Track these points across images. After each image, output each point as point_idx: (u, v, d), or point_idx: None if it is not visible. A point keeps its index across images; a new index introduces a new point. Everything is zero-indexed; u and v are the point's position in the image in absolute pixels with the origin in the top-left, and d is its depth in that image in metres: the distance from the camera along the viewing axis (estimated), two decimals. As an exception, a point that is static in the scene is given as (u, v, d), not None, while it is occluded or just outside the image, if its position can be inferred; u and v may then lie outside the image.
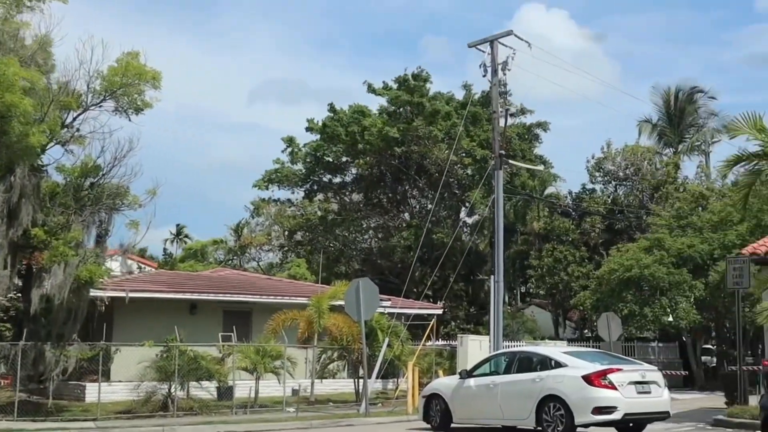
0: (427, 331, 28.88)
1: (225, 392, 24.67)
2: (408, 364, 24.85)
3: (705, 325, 39.23)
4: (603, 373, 16.01)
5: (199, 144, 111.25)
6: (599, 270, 39.09)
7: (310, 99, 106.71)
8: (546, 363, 17.08)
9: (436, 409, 18.50)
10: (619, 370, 16.23)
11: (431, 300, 52.68)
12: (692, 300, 36.79)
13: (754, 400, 21.72)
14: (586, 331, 44.87)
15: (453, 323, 49.54)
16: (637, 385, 16.22)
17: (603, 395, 15.82)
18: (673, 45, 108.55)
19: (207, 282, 33.33)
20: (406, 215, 52.38)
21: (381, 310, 31.04)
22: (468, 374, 18.37)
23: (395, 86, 48.21)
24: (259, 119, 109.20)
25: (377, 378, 28.51)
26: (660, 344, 42.41)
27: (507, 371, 17.82)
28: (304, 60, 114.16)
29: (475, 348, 26.64)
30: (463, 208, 49.44)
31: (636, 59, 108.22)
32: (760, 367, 28.08)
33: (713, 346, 41.80)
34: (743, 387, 20.59)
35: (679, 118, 48.50)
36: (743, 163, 20.17)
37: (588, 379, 15.95)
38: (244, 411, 23.28)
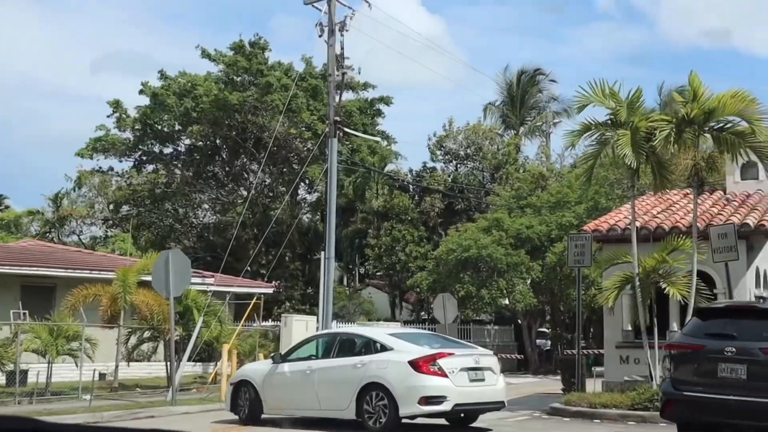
0: (248, 310, 26.25)
1: (21, 377, 21.34)
2: (224, 346, 22.20)
3: (541, 308, 38.41)
4: (432, 358, 13.96)
5: (37, 114, 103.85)
6: (437, 250, 37.53)
7: (156, 72, 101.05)
8: (370, 346, 14.91)
9: (245, 398, 15.99)
10: (450, 354, 14.21)
11: (267, 279, 50.17)
12: (529, 282, 35.79)
13: (591, 386, 20.36)
14: (423, 313, 43.36)
15: (288, 303, 47.21)
16: (470, 372, 14.26)
17: (431, 383, 13.77)
18: (519, 38, 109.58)
19: (4, 253, 29.45)
20: (243, 191, 49.49)
21: (203, 287, 28.35)
22: (282, 358, 15.96)
23: (231, 53, 45.12)
24: (102, 90, 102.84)
25: (189, 361, 25.70)
26: (496, 327, 41.41)
27: (326, 355, 15.54)
28: (152, 33, 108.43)
29: (300, 329, 24.27)
30: (303, 185, 47.05)
31: (484, 50, 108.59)
32: (596, 351, 27.11)
33: (548, 329, 41.11)
34: (581, 372, 19.13)
35: (521, 100, 47.66)
36: (591, 132, 18.61)
37: (415, 364, 13.85)
38: (30, 400, 20.03)
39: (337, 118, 25.49)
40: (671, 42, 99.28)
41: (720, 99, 17.59)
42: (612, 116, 18.03)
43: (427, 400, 13.72)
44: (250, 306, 26.21)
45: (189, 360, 25.39)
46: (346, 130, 29.48)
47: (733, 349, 10.87)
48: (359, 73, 45.07)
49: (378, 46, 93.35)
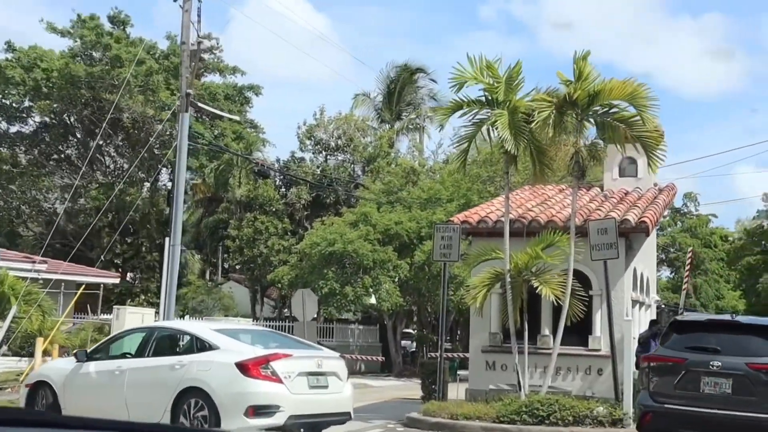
0: (74, 300, 23.09)
1: None
2: (39, 340, 19.07)
3: (408, 309, 36.41)
4: (264, 360, 11.48)
5: None
6: (300, 244, 34.99)
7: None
8: (192, 344, 12.27)
9: (42, 404, 13.08)
10: (287, 356, 11.75)
11: (121, 270, 46.41)
12: (396, 281, 33.69)
13: (453, 392, 18.28)
14: (285, 310, 40.68)
15: (143, 296, 43.76)
16: (310, 377, 11.87)
17: (261, 390, 11.30)
18: (404, 40, 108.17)
19: None
20: (99, 174, 45.70)
21: (33, 274, 25.03)
22: (88, 356, 13.11)
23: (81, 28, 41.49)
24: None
25: (14, 356, 22.40)
26: (361, 327, 39.20)
27: (140, 353, 12.77)
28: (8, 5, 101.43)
29: (135, 323, 21.27)
30: (165, 171, 43.66)
31: (367, 48, 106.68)
32: (462, 354, 25.16)
33: (414, 330, 39.19)
34: (443, 379, 16.98)
35: (398, 95, 45.58)
36: (464, 111, 16.49)
37: (243, 367, 11.35)
38: None
39: (190, 91, 22.60)
40: (551, 55, 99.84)
41: (607, 82, 15.81)
42: (487, 93, 15.97)
43: (255, 411, 11.22)
44: (76, 296, 23.02)
45: (9, 354, 22.19)
46: (200, 104, 26.58)
47: (719, 363, 10.80)
48: (219, 46, 42.24)
49: (261, 40, 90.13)
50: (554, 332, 16.44)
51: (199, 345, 12.08)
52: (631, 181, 21.05)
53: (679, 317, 14.18)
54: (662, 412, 11.15)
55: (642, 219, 17.11)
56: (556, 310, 16.71)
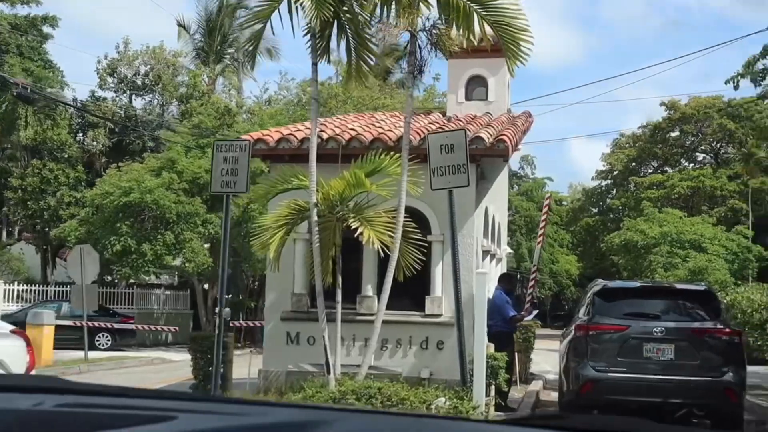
0: None
1: None
2: None
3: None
4: None
5: None
6: (89, 193, 28.76)
7: None
8: None
9: None
10: None
11: None
12: (206, 237, 28.15)
13: (245, 371, 13.14)
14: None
15: None
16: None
17: None
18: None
19: None
20: None
21: None
22: None
23: None
24: None
25: None
26: (168, 292, 33.35)
27: None
28: None
29: None
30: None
31: None
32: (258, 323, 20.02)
33: (229, 295, 33.69)
34: (223, 358, 11.66)
35: (220, 32, 39.52)
36: None
37: None
38: None
39: None
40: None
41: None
42: None
43: None
44: None
45: None
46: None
47: (662, 329, 10.69)
48: (26, 1, 35.03)
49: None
50: (380, 292, 11.50)
51: None
52: (481, 105, 16.43)
53: (609, 283, 12.59)
54: (603, 381, 10.70)
55: (500, 138, 12.36)
56: (385, 263, 11.73)
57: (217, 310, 32.85)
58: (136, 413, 1.52)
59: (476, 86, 16.73)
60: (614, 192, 49.89)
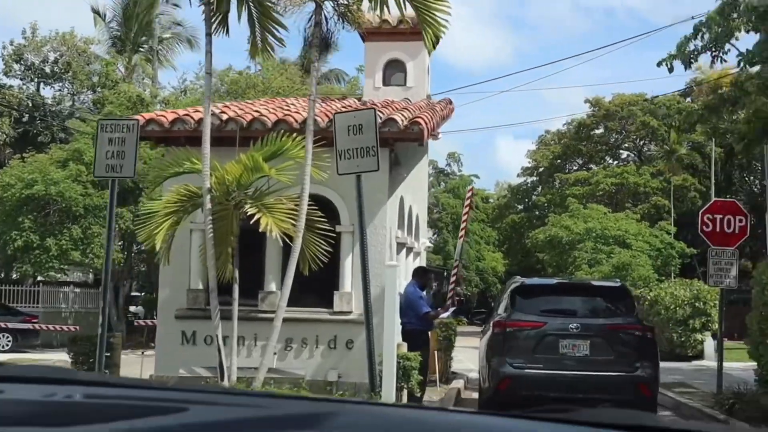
0: None
1: None
2: None
3: (132, 266, 29.39)
4: None
5: None
6: (-12, 185, 26.97)
7: None
8: None
9: None
10: None
11: None
12: (117, 232, 26.61)
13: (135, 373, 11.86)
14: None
15: None
16: None
17: None
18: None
19: None
20: None
21: None
22: None
23: None
24: None
25: None
26: (77, 290, 31.60)
27: None
28: None
29: None
30: None
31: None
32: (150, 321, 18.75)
33: (143, 292, 32.21)
34: (106, 363, 10.47)
35: (137, 20, 37.73)
36: None
37: None
38: None
39: None
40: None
41: None
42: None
43: None
44: None
45: None
46: None
47: (578, 326, 10.71)
48: None
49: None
50: (282, 284, 10.41)
51: None
52: (399, 90, 15.50)
53: (527, 280, 12.71)
54: (521, 377, 10.69)
55: (415, 120, 11.41)
56: (287, 252, 10.64)
57: (134, 308, 31.35)
58: (148, 404, 1.51)
59: (394, 71, 15.82)
60: (539, 189, 49.65)
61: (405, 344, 11.40)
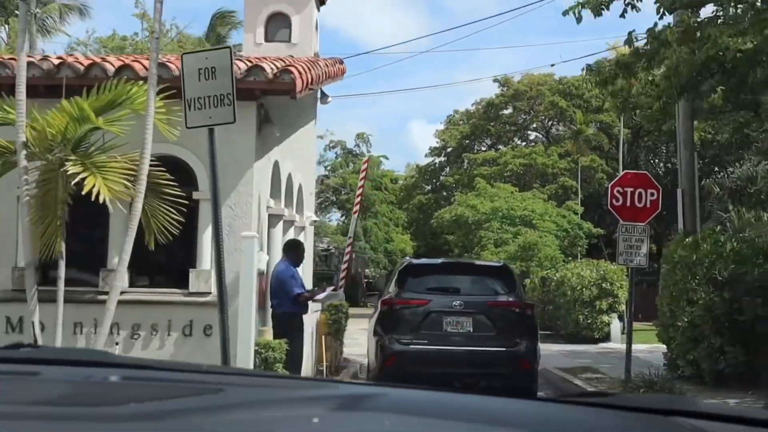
0: None
1: None
2: None
3: None
4: None
5: None
6: None
7: None
8: None
9: None
10: None
11: None
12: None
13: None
14: None
15: None
16: None
17: None
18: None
19: None
20: None
21: None
22: None
23: None
24: None
25: None
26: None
27: None
28: None
29: None
30: None
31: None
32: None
33: None
34: None
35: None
36: None
37: None
38: None
39: None
40: None
41: None
42: None
43: None
44: None
45: None
46: None
47: (461, 303, 11.00)
48: None
49: None
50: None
51: None
52: (282, 47, 13.76)
53: (414, 261, 13.41)
54: (407, 353, 10.86)
55: (286, 69, 9.70)
56: (142, 230, 8.84)
57: None
58: (184, 386, 1.52)
59: (278, 26, 14.09)
60: (448, 169, 48.51)
61: (279, 330, 9.79)
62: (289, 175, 11.96)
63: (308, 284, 12.47)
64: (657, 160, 45.23)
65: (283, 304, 9.95)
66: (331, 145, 59.91)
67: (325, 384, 1.54)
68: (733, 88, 10.99)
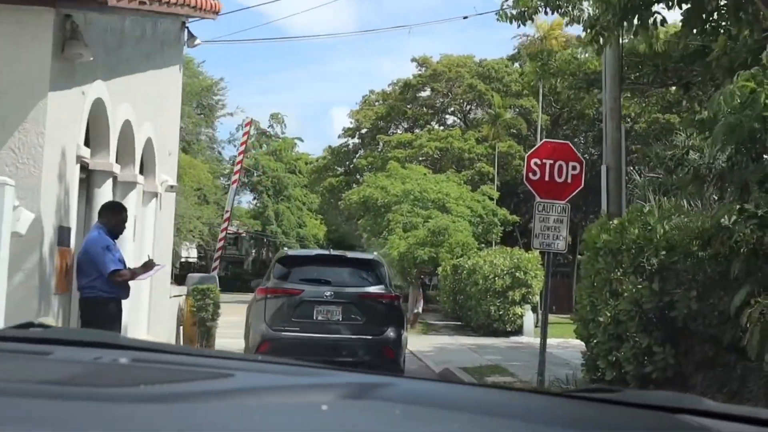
0: None
1: None
2: None
3: None
4: None
5: None
6: None
7: None
8: None
9: None
10: None
11: None
12: None
13: None
14: None
15: None
16: None
17: None
18: None
19: None
20: None
21: None
22: None
23: None
24: None
25: None
26: None
27: None
28: None
29: None
30: None
31: None
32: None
33: None
34: None
35: None
36: None
37: None
38: None
39: None
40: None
41: None
42: None
43: None
44: None
45: None
46: None
47: (332, 293, 11.36)
48: None
49: None
50: None
51: None
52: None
53: (290, 252, 13.78)
54: (280, 339, 11.07)
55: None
56: None
57: None
58: (194, 370, 1.54)
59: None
60: (361, 151, 46.16)
61: (80, 320, 7.25)
62: (128, 123, 9.35)
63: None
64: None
65: (96, 285, 7.39)
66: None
67: (335, 372, 1.41)
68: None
